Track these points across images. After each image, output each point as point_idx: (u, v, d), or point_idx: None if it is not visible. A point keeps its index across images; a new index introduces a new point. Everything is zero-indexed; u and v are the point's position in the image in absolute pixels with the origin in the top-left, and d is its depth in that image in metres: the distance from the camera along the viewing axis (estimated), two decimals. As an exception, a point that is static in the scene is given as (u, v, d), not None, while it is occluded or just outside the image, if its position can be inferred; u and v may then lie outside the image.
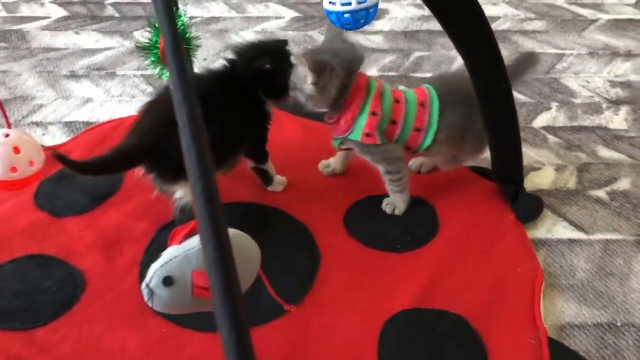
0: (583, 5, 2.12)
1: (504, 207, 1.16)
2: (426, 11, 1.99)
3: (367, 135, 1.06)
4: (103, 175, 1.09)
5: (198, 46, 1.08)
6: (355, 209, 1.17)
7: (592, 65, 1.71)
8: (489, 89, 1.03)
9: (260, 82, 1.08)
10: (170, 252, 0.67)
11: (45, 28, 1.94)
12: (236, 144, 1.10)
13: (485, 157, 1.30)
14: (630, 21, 1.99)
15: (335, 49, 1.06)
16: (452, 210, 1.16)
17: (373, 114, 1.05)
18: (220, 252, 0.44)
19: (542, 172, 1.29)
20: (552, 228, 1.14)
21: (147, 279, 0.68)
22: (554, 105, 1.52)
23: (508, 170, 1.16)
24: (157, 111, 1.01)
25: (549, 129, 1.43)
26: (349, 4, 0.82)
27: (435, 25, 2.00)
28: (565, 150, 1.35)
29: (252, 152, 1.16)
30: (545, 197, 1.19)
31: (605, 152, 1.34)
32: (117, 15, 2.05)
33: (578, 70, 1.68)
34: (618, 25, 1.96)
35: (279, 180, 1.21)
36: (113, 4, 2.13)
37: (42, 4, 2.13)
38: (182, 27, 1.01)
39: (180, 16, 1.04)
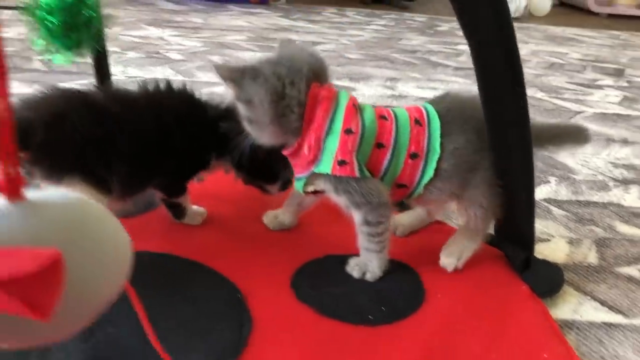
0: (565, 100, 1.96)
1: (512, 277, 0.85)
2: (396, 91, 1.79)
3: (341, 163, 0.73)
4: None
5: (111, 15, 0.80)
6: (309, 268, 0.83)
7: (587, 147, 1.48)
8: (497, 88, 0.75)
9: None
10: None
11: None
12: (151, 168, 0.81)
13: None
14: (618, 115, 1.81)
15: (281, 57, 0.77)
16: (443, 278, 0.83)
17: (347, 131, 0.74)
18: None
19: (553, 245, 0.99)
20: (578, 308, 0.82)
21: None
22: (552, 179, 1.26)
23: (517, 227, 0.86)
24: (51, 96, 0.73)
25: (551, 201, 1.15)
26: None
27: (408, 103, 1.81)
28: (577, 224, 1.06)
29: (165, 185, 0.85)
30: (563, 271, 0.88)
31: (625, 229, 1.06)
32: (44, 68, 1.77)
33: (573, 151, 1.45)
34: (606, 118, 1.77)
35: (196, 211, 0.91)
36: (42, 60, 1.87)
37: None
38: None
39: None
